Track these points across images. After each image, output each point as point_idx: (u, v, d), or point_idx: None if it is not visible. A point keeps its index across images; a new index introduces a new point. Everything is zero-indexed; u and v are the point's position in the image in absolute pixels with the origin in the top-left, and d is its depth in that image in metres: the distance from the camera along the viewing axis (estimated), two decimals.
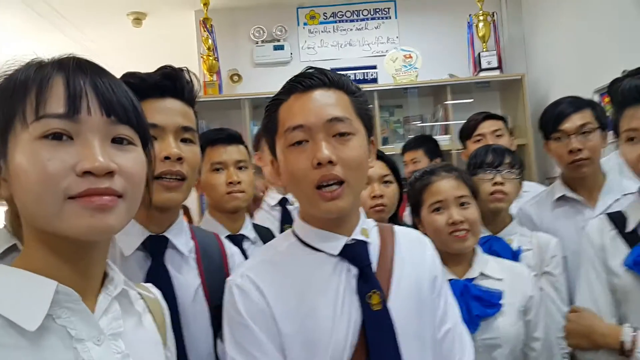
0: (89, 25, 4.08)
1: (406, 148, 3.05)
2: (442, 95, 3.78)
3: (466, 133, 2.53)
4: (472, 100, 3.84)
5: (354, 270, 0.99)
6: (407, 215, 2.89)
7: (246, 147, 1.74)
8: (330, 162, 0.93)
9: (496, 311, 1.40)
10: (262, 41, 3.99)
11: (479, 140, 2.43)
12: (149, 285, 0.92)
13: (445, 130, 3.77)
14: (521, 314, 1.44)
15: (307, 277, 0.99)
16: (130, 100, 0.72)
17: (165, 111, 1.06)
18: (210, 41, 3.69)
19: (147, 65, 1.16)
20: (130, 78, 1.03)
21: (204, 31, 3.68)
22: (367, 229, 1.06)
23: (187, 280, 1.11)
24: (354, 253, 1.00)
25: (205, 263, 1.17)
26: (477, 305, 1.39)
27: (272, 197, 2.35)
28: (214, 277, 1.16)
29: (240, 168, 1.67)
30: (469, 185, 1.52)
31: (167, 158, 1.02)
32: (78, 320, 0.66)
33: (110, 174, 0.65)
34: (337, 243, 1.00)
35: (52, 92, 0.65)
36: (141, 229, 1.06)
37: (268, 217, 2.26)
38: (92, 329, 0.67)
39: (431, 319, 1.03)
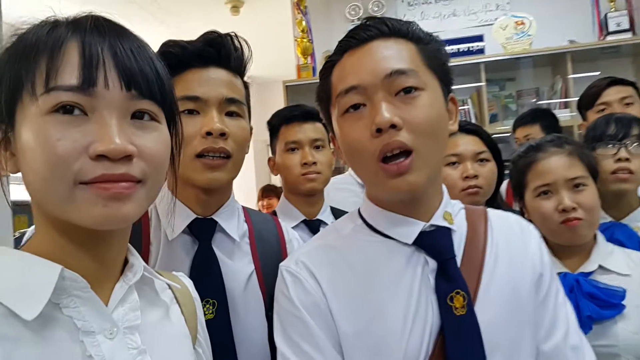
0: (189, 15, 4.21)
1: (519, 123, 2.71)
2: (561, 65, 3.35)
3: (587, 102, 2.17)
4: (598, 71, 3.33)
5: (433, 264, 0.81)
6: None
7: (324, 124, 1.60)
8: (393, 126, 0.76)
9: (615, 313, 1.14)
10: (358, 19, 3.80)
11: (602, 110, 2.06)
12: (180, 274, 0.83)
13: (565, 104, 3.33)
14: None
15: (374, 269, 0.82)
16: (155, 69, 0.62)
17: (209, 82, 0.96)
18: (304, 23, 3.60)
19: None
20: (171, 47, 0.96)
21: (298, 13, 3.61)
22: (452, 213, 0.87)
23: (239, 267, 1.02)
24: (433, 242, 0.82)
25: (261, 248, 1.07)
26: (590, 304, 1.14)
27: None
28: (270, 264, 1.05)
29: (316, 147, 1.56)
30: (586, 163, 1.25)
31: (209, 134, 0.93)
32: (88, 310, 0.59)
33: (128, 157, 0.57)
34: (412, 229, 0.83)
35: (65, 59, 0.56)
36: (187, 210, 0.99)
37: (355, 199, 2.06)
38: (104, 321, 0.60)
39: (532, 328, 0.83)
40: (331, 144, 0.97)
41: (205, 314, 0.90)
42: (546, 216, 1.24)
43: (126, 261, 0.68)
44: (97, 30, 0.59)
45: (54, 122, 0.55)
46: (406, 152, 0.77)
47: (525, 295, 0.83)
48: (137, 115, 0.60)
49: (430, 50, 0.84)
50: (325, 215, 1.62)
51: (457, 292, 0.78)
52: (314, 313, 0.80)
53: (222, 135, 0.94)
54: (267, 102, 5.40)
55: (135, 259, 0.69)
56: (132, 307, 0.64)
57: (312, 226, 1.57)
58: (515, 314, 0.81)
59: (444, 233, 0.84)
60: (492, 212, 0.93)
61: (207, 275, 0.94)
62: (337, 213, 1.68)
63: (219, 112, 0.96)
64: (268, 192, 4.30)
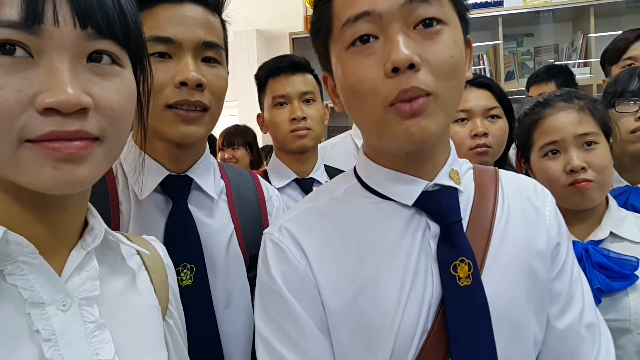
0: None
1: (533, 81, 2.56)
2: (584, 20, 3.18)
3: (612, 56, 2.03)
4: (620, 29, 3.13)
5: (435, 229, 0.71)
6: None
7: (315, 76, 1.50)
8: (412, 65, 0.63)
9: (627, 285, 1.05)
10: None
11: (629, 66, 1.91)
12: (151, 238, 0.76)
13: (585, 63, 3.17)
14: None
15: (368, 235, 0.73)
16: (117, 2, 0.52)
17: (183, 21, 0.84)
18: None
19: None
20: None
21: None
22: (459, 172, 0.77)
23: (218, 227, 0.94)
24: (436, 204, 0.72)
25: (239, 206, 1.00)
26: (600, 275, 1.06)
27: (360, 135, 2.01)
28: (250, 222, 0.99)
29: (306, 101, 1.45)
30: (598, 119, 1.14)
31: (183, 84, 0.83)
32: (37, 278, 0.52)
33: (82, 110, 0.48)
34: (413, 188, 0.72)
35: None
36: (158, 166, 0.90)
37: (353, 160, 1.96)
38: (56, 291, 0.52)
39: (545, 302, 0.74)
40: (325, 87, 0.85)
41: (182, 280, 0.84)
42: (553, 178, 1.14)
43: (86, 224, 0.60)
44: None
45: None
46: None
47: (539, 265, 0.74)
48: (95, 57, 0.51)
49: None
50: (318, 173, 1.53)
51: (462, 260, 0.69)
52: (297, 289, 0.71)
53: (199, 86, 0.84)
54: (273, 56, 5.28)
55: (96, 221, 0.61)
56: (89, 275, 0.57)
57: (305, 185, 1.48)
58: (527, 285, 0.72)
59: (450, 194, 0.73)
60: (504, 173, 0.83)
61: (184, 238, 0.87)
62: (332, 172, 1.59)
63: (195, 58, 0.85)
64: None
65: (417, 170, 0.73)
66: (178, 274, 0.83)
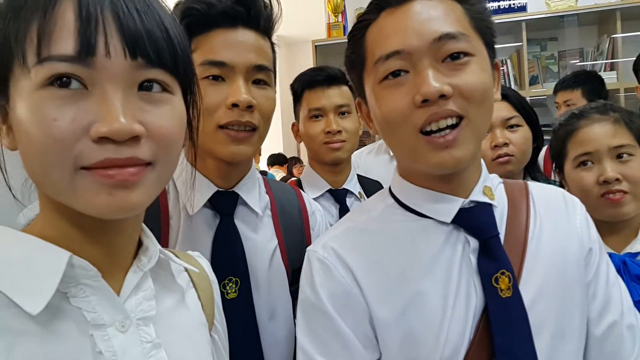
0: None
1: (560, 87, 2.56)
2: (610, 24, 3.14)
3: None
4: None
5: (474, 243, 0.74)
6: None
7: (351, 88, 1.51)
8: (443, 96, 0.67)
9: None
10: None
11: None
12: (196, 254, 0.78)
13: (611, 66, 3.13)
14: None
15: (409, 251, 0.76)
16: (165, 31, 0.53)
17: (236, 46, 0.88)
18: None
19: None
20: (196, 3, 0.88)
21: None
22: (492, 188, 0.80)
23: (262, 241, 0.97)
24: (474, 220, 0.75)
25: (283, 221, 1.02)
26: (639, 288, 1.05)
27: None
28: (293, 236, 1.02)
29: (342, 114, 1.46)
30: (634, 131, 1.13)
31: (235, 105, 0.86)
32: (99, 300, 0.53)
33: (135, 138, 0.50)
34: (450, 206, 0.76)
35: (59, 22, 0.48)
36: (208, 183, 0.93)
37: (387, 167, 1.96)
38: (116, 312, 0.54)
39: (582, 307, 0.76)
40: (359, 112, 0.88)
41: (228, 293, 0.86)
42: (586, 189, 1.13)
43: (140, 243, 0.62)
44: None
45: (49, 97, 0.47)
46: (452, 125, 0.69)
47: (573, 272, 0.77)
48: (145, 86, 0.52)
49: (477, 10, 0.75)
50: (351, 184, 1.54)
51: (502, 272, 0.72)
52: (342, 305, 0.74)
53: (249, 107, 0.87)
54: (295, 63, 5.29)
55: (150, 241, 0.63)
56: (146, 295, 0.59)
57: (338, 196, 1.49)
58: (562, 293, 0.75)
59: (485, 209, 0.77)
60: (534, 185, 0.86)
61: (229, 253, 0.90)
62: (365, 182, 1.61)
63: (246, 81, 0.88)
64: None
65: (452, 188, 0.77)
66: (224, 287, 0.86)
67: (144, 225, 0.63)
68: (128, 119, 0.49)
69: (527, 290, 0.73)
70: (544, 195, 0.84)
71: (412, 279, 0.74)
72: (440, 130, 0.69)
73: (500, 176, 1.34)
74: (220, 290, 0.85)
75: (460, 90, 0.69)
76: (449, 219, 0.75)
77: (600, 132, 1.14)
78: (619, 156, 1.12)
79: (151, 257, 0.61)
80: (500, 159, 1.38)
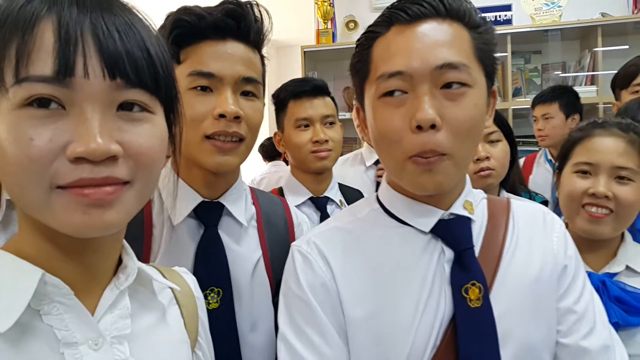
0: None
1: (538, 100, 2.62)
2: (591, 39, 3.20)
3: (622, 81, 2.07)
4: (627, 45, 3.20)
5: (449, 254, 0.78)
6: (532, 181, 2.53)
7: (332, 98, 1.54)
8: (433, 126, 0.71)
9: None
10: None
11: (637, 92, 1.97)
12: (182, 270, 0.79)
13: (592, 80, 3.20)
14: None
15: (387, 255, 0.80)
16: (146, 52, 0.53)
17: (225, 57, 0.89)
18: None
19: None
20: (185, 14, 0.88)
21: None
22: (473, 203, 0.84)
23: (246, 253, 0.98)
24: (451, 231, 0.79)
25: (268, 232, 1.04)
26: (617, 309, 1.05)
27: (369, 155, 2.05)
28: (278, 248, 1.02)
29: (328, 124, 1.49)
30: None
31: (222, 116, 0.87)
32: (72, 318, 0.54)
33: (112, 157, 0.50)
34: (430, 218, 0.80)
35: (37, 42, 0.47)
36: (193, 193, 0.94)
37: (362, 177, 2.01)
38: (89, 330, 0.54)
39: (551, 322, 0.79)
40: (355, 120, 0.91)
41: (209, 303, 0.88)
42: (573, 195, 1.13)
43: (121, 261, 0.63)
44: (77, 4, 0.50)
45: (27, 117, 0.47)
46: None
47: (544, 288, 0.80)
48: (125, 106, 0.52)
49: (485, 39, 0.77)
50: (333, 192, 1.58)
51: (473, 283, 0.75)
52: (321, 296, 0.78)
53: (236, 118, 0.88)
54: (284, 66, 5.30)
55: (130, 259, 0.63)
56: (121, 314, 0.59)
57: (319, 204, 1.53)
58: (532, 306, 0.78)
59: (463, 222, 0.81)
60: (516, 203, 0.89)
61: (212, 263, 0.91)
62: (345, 190, 1.64)
63: (234, 92, 0.90)
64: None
65: (434, 200, 0.81)
66: (205, 297, 0.87)
67: (125, 242, 0.64)
68: (105, 139, 0.49)
69: (498, 302, 0.76)
70: (525, 213, 0.87)
71: (387, 282, 0.78)
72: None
73: (481, 189, 1.39)
74: None
75: (449, 124, 0.72)
76: (427, 229, 0.79)
77: (609, 147, 1.12)
78: (619, 177, 1.10)
79: (129, 275, 0.61)
80: (482, 172, 1.43)
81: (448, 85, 0.72)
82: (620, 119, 1.20)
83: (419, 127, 0.71)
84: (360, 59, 0.81)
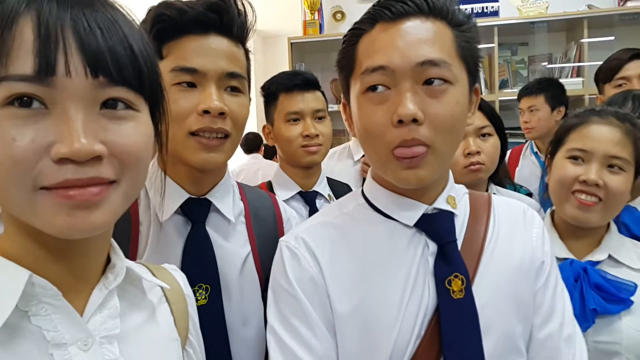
0: None
1: (524, 93, 2.63)
2: (577, 31, 3.23)
3: (605, 75, 2.07)
4: (613, 37, 3.23)
5: (433, 247, 0.80)
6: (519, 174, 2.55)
7: (322, 92, 1.53)
8: (415, 120, 0.72)
9: (623, 308, 1.07)
10: None
11: (620, 85, 1.98)
12: (172, 267, 0.78)
13: (578, 72, 3.23)
14: None
15: (373, 249, 0.82)
16: (129, 49, 0.52)
17: (208, 52, 0.87)
18: None
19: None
20: (166, 9, 0.87)
21: None
22: (455, 197, 0.86)
23: (234, 249, 0.97)
24: (434, 225, 0.81)
25: (257, 228, 1.03)
26: (596, 297, 1.07)
27: (357, 149, 2.04)
28: (267, 244, 1.01)
29: (318, 118, 1.48)
30: (638, 150, 1.12)
31: (206, 112, 0.86)
32: (61, 318, 0.53)
33: (96, 157, 0.49)
34: (414, 212, 0.82)
35: (17, 40, 0.46)
36: (179, 190, 0.93)
37: (350, 171, 2.00)
38: (78, 331, 0.54)
39: (528, 314, 0.82)
40: (343, 114, 0.91)
41: (198, 300, 0.87)
42: (564, 180, 1.14)
43: (109, 260, 0.62)
44: (57, 0, 0.48)
45: (8, 117, 0.46)
46: (422, 145, 0.75)
47: (524, 281, 0.83)
48: (109, 104, 0.51)
49: (467, 37, 0.78)
50: (321, 186, 1.57)
51: (456, 275, 0.78)
52: (309, 290, 0.79)
53: (221, 114, 0.87)
54: (271, 57, 5.28)
55: (118, 258, 0.62)
56: (110, 314, 0.58)
57: (308, 198, 1.52)
58: (512, 298, 0.81)
59: (446, 217, 0.83)
60: (497, 199, 0.92)
61: (200, 260, 0.90)
62: (334, 184, 1.64)
63: (218, 88, 0.88)
64: None
65: (418, 195, 0.83)
66: (194, 293, 0.87)
67: (113, 241, 0.63)
68: (89, 139, 0.48)
69: (480, 293, 0.78)
70: (505, 209, 0.90)
71: (373, 274, 0.80)
72: (409, 148, 0.74)
73: (471, 182, 1.41)
74: None
75: (431, 119, 0.73)
76: (411, 223, 0.82)
77: (605, 136, 1.12)
78: (611, 166, 1.11)
79: (117, 274, 0.60)
80: (472, 167, 1.43)
81: (429, 82, 0.74)
82: (618, 109, 1.20)
83: (401, 122, 0.72)
84: (346, 56, 0.83)
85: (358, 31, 0.80)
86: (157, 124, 0.61)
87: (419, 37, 0.74)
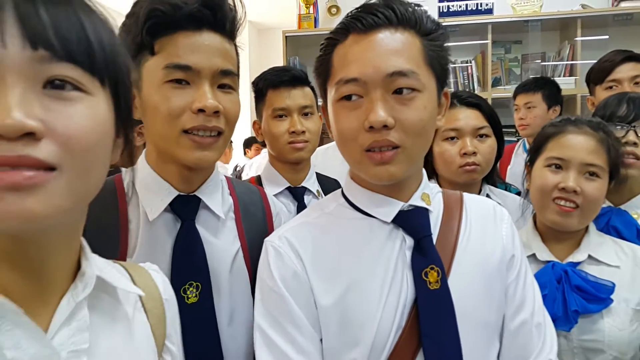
0: None
1: (521, 89, 2.65)
2: (571, 30, 3.25)
3: (597, 76, 2.07)
4: (607, 36, 3.25)
5: (410, 241, 0.85)
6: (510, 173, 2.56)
7: (312, 88, 1.53)
8: (386, 126, 0.78)
9: (602, 308, 1.11)
10: None
11: (611, 88, 1.98)
12: (153, 267, 0.75)
13: (571, 71, 3.25)
14: (639, 315, 1.13)
15: (353, 245, 0.86)
16: (80, 23, 0.48)
17: (202, 49, 0.86)
18: None
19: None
20: (160, 4, 0.85)
21: None
22: (430, 195, 0.91)
23: (224, 245, 0.97)
24: (411, 221, 0.87)
25: (246, 223, 1.03)
26: (578, 298, 1.11)
27: None
28: (257, 238, 1.01)
29: (305, 114, 1.48)
30: (611, 158, 1.18)
31: (201, 111, 0.86)
32: (23, 335, 0.48)
33: (31, 136, 0.44)
34: (391, 208, 0.87)
35: None
36: (168, 187, 0.92)
37: (345, 167, 2.00)
38: (42, 348, 0.49)
39: (500, 305, 0.88)
40: (323, 116, 0.93)
41: (188, 298, 0.87)
42: (544, 188, 1.18)
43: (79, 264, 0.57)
44: None
45: None
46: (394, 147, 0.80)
47: (495, 273, 0.88)
48: (57, 84, 0.47)
49: (435, 46, 0.83)
50: (310, 182, 1.57)
51: (432, 267, 0.82)
52: (293, 286, 0.83)
53: (216, 112, 0.87)
54: (265, 49, 5.25)
55: (88, 265, 0.57)
56: (79, 326, 0.54)
57: (296, 193, 1.52)
58: (485, 289, 0.86)
59: (421, 213, 0.88)
60: (468, 196, 0.97)
61: (190, 257, 0.90)
62: (323, 180, 1.64)
63: (212, 85, 0.88)
64: None
65: (393, 193, 0.87)
66: (184, 292, 0.87)
67: (85, 245, 0.59)
68: (20, 113, 0.43)
69: (455, 284, 0.83)
70: (476, 206, 0.95)
71: (353, 269, 0.84)
72: (380, 149, 0.80)
73: (465, 183, 1.41)
74: (181, 295, 0.86)
75: (401, 124, 0.79)
76: (389, 219, 0.86)
77: (581, 145, 1.17)
78: (588, 173, 1.16)
79: (87, 284, 0.56)
80: (468, 167, 1.42)
81: (399, 91, 0.79)
82: (592, 118, 1.26)
83: (372, 128, 0.78)
84: (322, 63, 0.88)
85: (333, 41, 0.85)
86: (122, 117, 0.56)
87: (388, 48, 0.79)
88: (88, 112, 0.49)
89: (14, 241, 0.49)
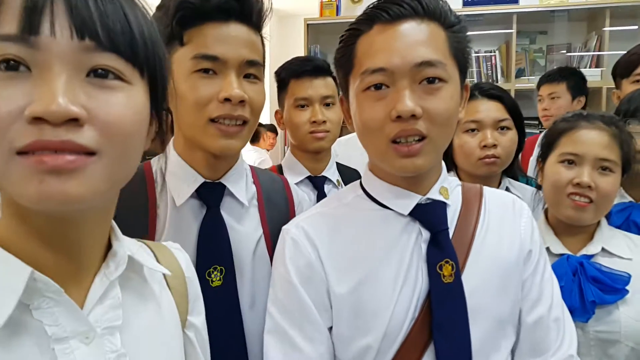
0: None
1: (545, 80, 2.62)
2: (599, 21, 3.19)
3: (623, 69, 2.02)
4: (636, 27, 3.18)
5: (426, 235, 0.86)
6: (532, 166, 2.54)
7: (334, 78, 1.54)
8: (413, 115, 0.78)
9: (618, 298, 1.12)
10: None
11: (638, 82, 1.94)
12: (175, 246, 0.78)
13: (597, 62, 3.19)
14: None
15: (370, 236, 0.88)
16: (124, 16, 0.50)
17: (229, 40, 0.89)
18: None
19: None
20: None
21: None
22: (448, 189, 0.92)
23: (247, 232, 1.00)
24: (428, 214, 0.87)
25: (269, 211, 1.05)
26: (594, 289, 1.12)
27: None
28: (279, 226, 1.03)
29: (327, 104, 1.50)
30: (624, 152, 1.19)
31: (227, 100, 0.88)
32: (62, 312, 0.51)
33: (74, 122, 0.45)
34: (409, 201, 0.87)
35: (5, 2, 0.46)
36: (195, 174, 0.96)
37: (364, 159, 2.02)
38: (80, 324, 0.52)
39: (516, 299, 0.88)
40: (341, 108, 0.95)
41: (213, 281, 0.90)
42: (558, 184, 1.19)
43: (111, 246, 0.59)
44: None
45: None
46: (420, 138, 0.80)
47: (512, 267, 0.88)
48: (100, 73, 0.49)
49: (459, 38, 0.84)
50: (330, 172, 1.59)
51: (447, 261, 0.83)
52: (305, 276, 0.85)
53: (241, 102, 0.89)
54: (286, 37, 5.24)
55: (120, 245, 0.60)
56: (112, 304, 0.56)
57: (317, 183, 1.54)
58: (500, 283, 0.86)
59: (439, 206, 0.88)
60: (488, 190, 0.97)
61: (215, 242, 0.93)
62: (343, 170, 1.66)
63: (238, 75, 0.90)
64: None
65: (412, 186, 0.88)
66: (209, 275, 0.90)
67: (115, 226, 0.61)
68: (65, 100, 0.45)
69: (469, 279, 0.83)
70: (495, 200, 0.95)
71: (369, 259, 0.85)
72: (407, 140, 0.80)
73: (484, 175, 1.42)
74: (205, 278, 0.89)
75: (428, 114, 0.79)
76: (406, 212, 0.87)
77: (595, 140, 1.18)
78: (601, 168, 1.17)
79: (119, 263, 0.58)
80: (487, 160, 1.42)
81: (430, 80, 0.79)
82: (604, 113, 1.26)
83: (399, 117, 0.78)
84: (344, 55, 0.87)
85: (356, 32, 0.85)
86: (157, 106, 0.58)
87: (416, 38, 0.80)
88: (128, 101, 0.51)
89: (54, 222, 0.52)
